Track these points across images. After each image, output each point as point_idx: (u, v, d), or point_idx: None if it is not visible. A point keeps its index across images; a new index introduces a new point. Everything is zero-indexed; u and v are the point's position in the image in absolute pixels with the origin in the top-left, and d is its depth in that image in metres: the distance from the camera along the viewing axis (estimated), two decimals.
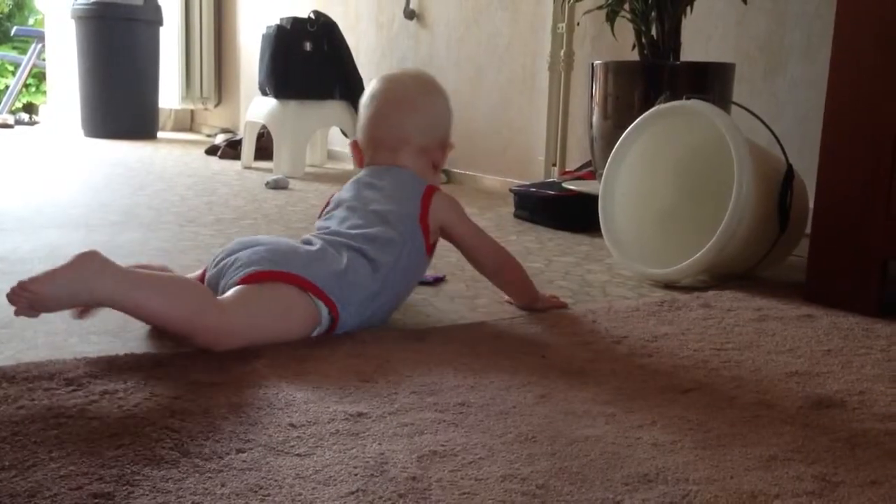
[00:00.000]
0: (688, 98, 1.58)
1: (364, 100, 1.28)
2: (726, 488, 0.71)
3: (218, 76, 5.36)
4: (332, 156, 3.86)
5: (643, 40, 1.97)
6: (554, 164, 2.74)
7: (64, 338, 1.06)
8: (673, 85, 1.84)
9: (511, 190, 2.39)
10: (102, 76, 4.54)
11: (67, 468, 0.69)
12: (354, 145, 1.30)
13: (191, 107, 5.46)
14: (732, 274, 1.56)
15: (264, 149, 3.47)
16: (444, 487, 0.69)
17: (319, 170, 3.50)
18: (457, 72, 3.20)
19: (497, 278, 1.30)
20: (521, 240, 1.96)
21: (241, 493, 0.66)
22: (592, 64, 2.00)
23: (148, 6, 4.59)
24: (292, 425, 0.80)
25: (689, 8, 1.99)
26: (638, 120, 1.64)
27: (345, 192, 1.24)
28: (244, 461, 0.72)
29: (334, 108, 3.25)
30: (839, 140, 1.34)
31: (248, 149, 3.45)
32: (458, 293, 1.41)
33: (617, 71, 1.96)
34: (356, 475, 0.70)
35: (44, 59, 5.73)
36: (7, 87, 6.21)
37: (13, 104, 5.80)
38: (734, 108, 1.76)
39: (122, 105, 4.59)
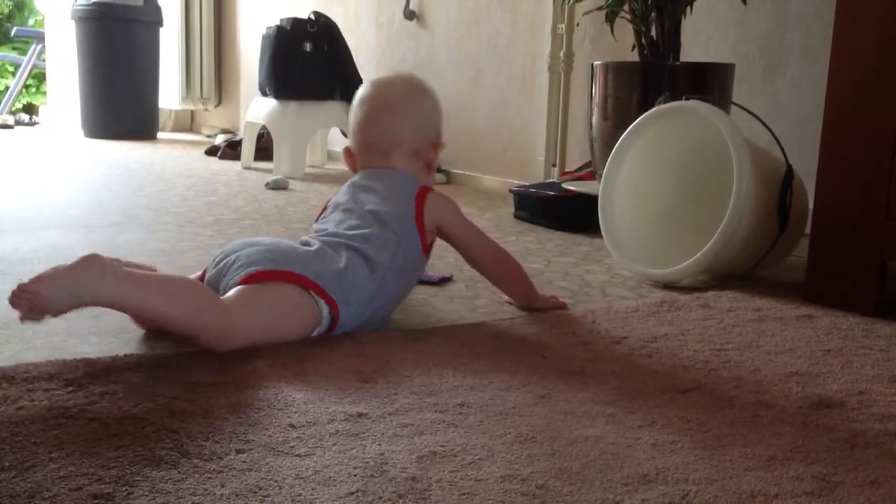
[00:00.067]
0: (687, 98, 1.58)
1: (354, 105, 1.29)
2: (726, 488, 0.71)
3: (218, 77, 5.36)
4: (332, 156, 3.86)
5: (643, 41, 1.97)
6: (554, 165, 2.74)
7: (64, 338, 1.06)
8: (673, 85, 1.84)
9: (511, 190, 2.39)
10: (102, 77, 4.54)
11: (67, 469, 0.69)
12: (347, 152, 1.31)
13: (191, 107, 5.45)
14: (732, 274, 1.56)
15: (264, 149, 3.47)
16: (444, 488, 0.69)
17: (319, 170, 3.50)
18: (457, 72, 3.20)
19: (496, 278, 1.31)
20: (521, 240, 1.96)
21: (241, 494, 0.66)
22: (592, 64, 2.00)
23: (148, 7, 4.59)
24: (292, 426, 0.80)
25: (688, 8, 1.99)
26: (638, 120, 1.64)
27: (340, 195, 1.25)
28: (244, 462, 0.72)
29: (334, 109, 3.25)
30: (839, 140, 1.34)
31: (247, 149, 3.45)
32: (458, 294, 1.41)
33: (617, 71, 1.96)
34: (356, 476, 0.70)
35: (44, 60, 5.73)
36: (7, 88, 6.21)
37: (13, 105, 5.80)
38: (734, 108, 1.76)
39: (122, 106, 4.59)
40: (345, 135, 3.37)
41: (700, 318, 1.27)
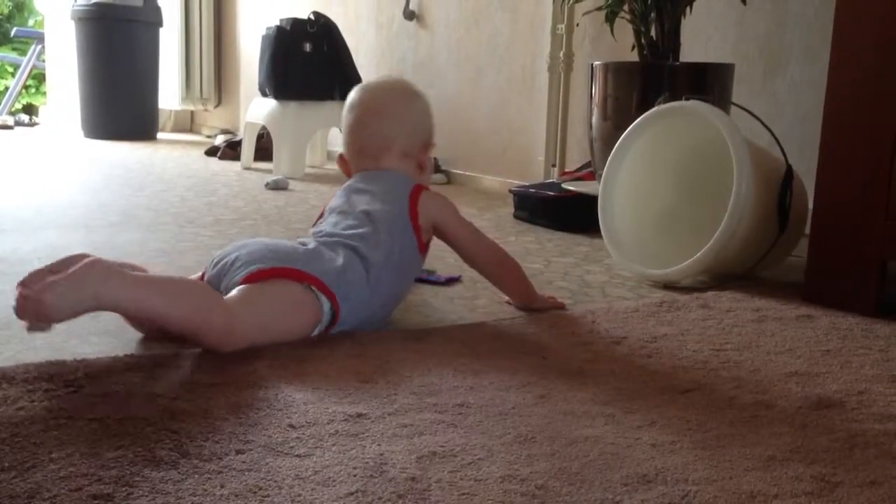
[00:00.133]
0: (687, 99, 1.58)
1: (344, 111, 1.30)
2: (725, 489, 0.71)
3: (218, 77, 5.36)
4: (332, 156, 3.86)
5: (643, 41, 1.97)
6: (553, 165, 2.74)
7: (63, 339, 1.06)
8: (672, 86, 1.84)
9: (510, 191, 2.39)
10: (102, 77, 4.54)
11: (67, 469, 0.69)
12: (340, 158, 1.33)
13: (191, 108, 5.46)
14: (732, 274, 1.56)
15: (264, 149, 3.47)
16: (444, 488, 0.69)
17: (319, 170, 3.50)
18: (456, 72, 3.20)
19: (495, 278, 1.31)
20: (521, 240, 1.96)
21: (241, 494, 0.66)
22: (592, 65, 2.00)
23: (148, 7, 4.59)
24: (291, 426, 0.80)
25: (688, 8, 1.99)
26: (637, 121, 1.64)
27: (335, 200, 1.26)
28: (243, 462, 0.72)
29: (334, 109, 3.25)
30: (839, 140, 1.34)
31: (247, 150, 3.45)
32: (458, 294, 1.41)
33: (616, 71, 1.96)
34: (355, 476, 0.70)
35: (43, 61, 5.74)
36: (7, 89, 6.21)
37: (13, 105, 5.80)
38: (734, 108, 1.76)
39: (121, 106, 4.59)
40: None
41: (700, 319, 1.27)
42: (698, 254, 1.46)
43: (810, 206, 1.42)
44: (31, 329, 0.90)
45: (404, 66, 3.48)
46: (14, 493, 0.65)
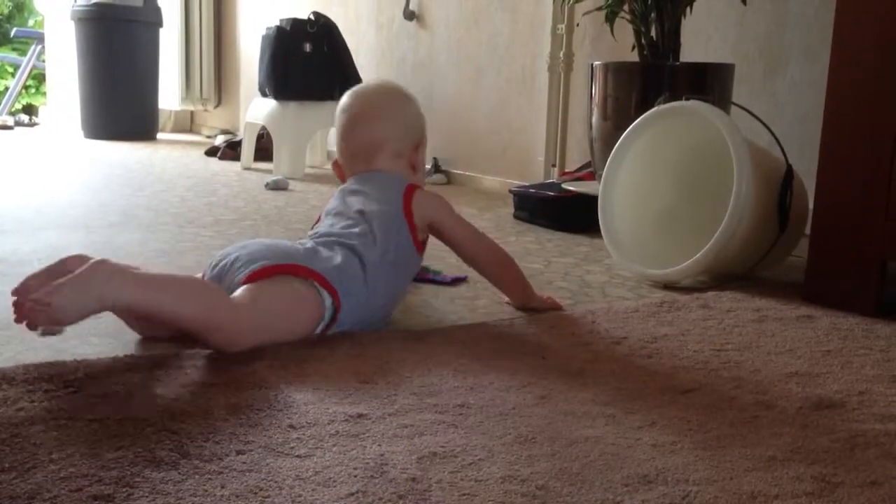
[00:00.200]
0: (687, 99, 1.58)
1: (336, 116, 1.32)
2: (726, 489, 0.71)
3: (218, 77, 5.36)
4: (332, 157, 3.85)
5: (643, 41, 1.97)
6: (553, 165, 2.74)
7: (63, 339, 1.06)
8: (672, 86, 1.84)
9: (511, 191, 2.39)
10: (102, 77, 4.54)
11: (67, 470, 0.69)
12: (335, 164, 1.34)
13: (190, 108, 5.46)
14: (732, 274, 1.56)
15: (264, 150, 3.47)
16: (444, 489, 0.69)
17: (319, 171, 3.50)
18: (457, 72, 3.20)
19: (495, 277, 1.31)
20: (521, 241, 1.96)
21: (241, 495, 0.66)
22: (592, 65, 2.00)
23: (148, 8, 4.59)
24: (292, 427, 0.80)
25: (688, 9, 1.99)
26: (637, 121, 1.64)
27: (331, 203, 1.27)
28: (244, 463, 0.72)
29: (334, 109, 3.23)
30: (839, 140, 1.34)
31: (247, 150, 3.45)
32: (458, 294, 1.41)
33: (616, 72, 1.96)
34: (356, 476, 0.70)
35: (43, 61, 5.74)
36: (7, 89, 6.21)
37: (13, 106, 5.80)
38: (734, 108, 1.76)
39: (121, 106, 4.59)
40: None
41: (700, 319, 1.27)
42: (698, 254, 1.46)
43: (810, 206, 1.42)
44: (43, 334, 0.90)
45: (404, 66, 3.49)
46: (14, 493, 0.65)
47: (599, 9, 2.07)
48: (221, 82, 5.37)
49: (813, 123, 1.86)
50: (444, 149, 3.21)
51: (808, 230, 1.44)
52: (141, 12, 4.55)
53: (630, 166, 1.66)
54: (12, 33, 6.09)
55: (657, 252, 1.61)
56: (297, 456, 0.74)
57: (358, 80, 3.29)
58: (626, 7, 1.99)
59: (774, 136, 1.59)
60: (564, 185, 2.20)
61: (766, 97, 2.09)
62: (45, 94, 6.28)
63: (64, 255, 0.99)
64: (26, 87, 6.91)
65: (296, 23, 3.23)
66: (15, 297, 0.93)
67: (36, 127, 5.47)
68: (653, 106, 1.64)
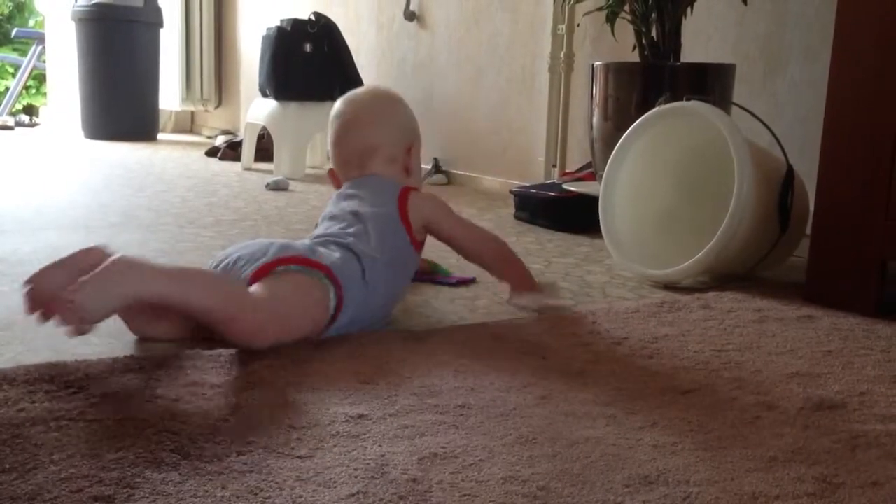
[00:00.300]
0: (688, 99, 1.58)
1: (329, 124, 1.32)
2: (727, 490, 0.71)
3: (218, 78, 5.36)
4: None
5: (643, 41, 1.97)
6: (554, 166, 2.74)
7: (64, 340, 1.05)
8: (673, 86, 1.84)
9: (511, 191, 2.39)
10: (103, 78, 4.54)
11: (68, 471, 0.69)
12: (330, 172, 1.34)
13: (191, 108, 5.46)
14: (733, 275, 1.56)
15: (265, 150, 3.47)
16: (445, 489, 0.69)
17: (320, 171, 3.50)
18: (457, 73, 3.20)
19: (498, 272, 1.31)
20: (521, 241, 1.96)
21: (242, 496, 0.66)
22: (592, 65, 2.00)
23: (148, 8, 4.59)
24: (292, 427, 0.80)
25: (689, 9, 1.99)
26: (638, 121, 1.64)
27: (328, 208, 1.27)
28: (244, 463, 0.72)
29: None
30: (839, 141, 1.34)
31: (248, 150, 3.45)
32: (458, 294, 1.41)
33: (617, 72, 1.96)
34: (357, 477, 0.70)
35: (44, 61, 5.74)
36: (7, 89, 6.22)
37: (13, 106, 5.80)
38: (734, 108, 1.76)
39: (122, 107, 4.59)
40: None
41: (701, 319, 1.27)
42: (699, 254, 1.46)
43: (811, 206, 1.42)
44: (72, 334, 0.90)
45: (405, 66, 3.49)
46: (15, 494, 0.65)
47: (600, 9, 2.07)
48: (222, 83, 5.37)
49: (813, 123, 1.86)
50: (444, 149, 3.21)
51: (808, 230, 1.44)
52: (141, 12, 4.55)
53: (631, 166, 1.66)
54: (13, 33, 6.09)
55: (658, 252, 1.61)
56: (298, 457, 0.74)
57: (358, 80, 3.29)
58: (626, 7, 1.99)
59: (775, 136, 1.59)
60: (565, 186, 2.20)
61: (767, 97, 2.09)
62: (45, 94, 6.28)
63: (64, 255, 0.99)
64: (27, 88, 6.91)
65: (296, 23, 3.23)
66: (29, 287, 0.94)
67: (36, 127, 5.48)
68: (653, 106, 1.64)
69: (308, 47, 3.21)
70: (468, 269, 1.53)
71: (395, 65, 3.54)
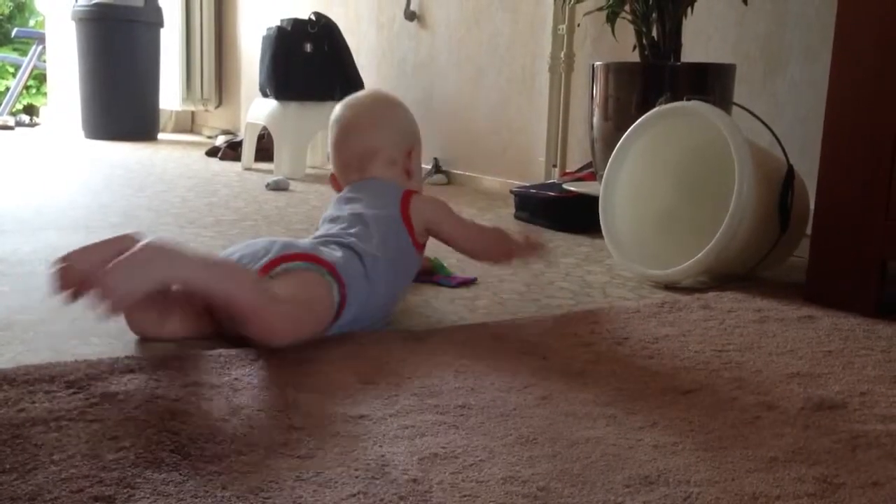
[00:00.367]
0: (688, 99, 1.58)
1: (329, 128, 1.33)
2: (727, 490, 0.71)
3: (218, 78, 5.36)
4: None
5: (644, 41, 1.97)
6: (554, 166, 2.74)
7: (64, 340, 1.06)
8: (673, 86, 1.84)
9: (511, 191, 2.39)
10: (103, 78, 4.54)
11: (68, 471, 0.69)
12: (332, 177, 1.35)
13: (191, 108, 5.46)
14: (733, 275, 1.56)
15: (265, 150, 3.47)
16: (445, 490, 0.69)
17: (320, 171, 3.50)
18: (457, 72, 3.20)
19: (501, 261, 1.33)
20: None
21: (242, 496, 0.66)
22: (593, 65, 2.00)
23: (148, 8, 4.59)
24: (293, 427, 0.80)
25: (689, 9, 1.99)
26: (638, 121, 1.64)
27: (327, 211, 1.27)
28: (245, 463, 0.72)
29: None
30: (839, 141, 1.34)
31: (248, 150, 3.45)
32: (458, 294, 1.41)
33: (617, 72, 1.96)
34: (357, 477, 0.70)
35: (44, 61, 5.74)
36: (8, 89, 6.22)
37: (14, 106, 5.80)
38: (735, 108, 1.76)
39: (122, 106, 4.59)
40: None
41: (701, 319, 1.27)
42: (699, 254, 1.46)
43: (811, 206, 1.42)
44: (105, 312, 0.90)
45: (405, 66, 3.49)
46: (15, 495, 0.65)
47: (600, 9, 2.07)
48: (222, 82, 5.37)
49: (813, 123, 1.86)
50: (444, 149, 3.21)
51: (808, 230, 1.44)
52: (142, 12, 4.55)
53: (631, 167, 1.66)
54: (13, 33, 6.09)
55: (658, 252, 1.61)
56: (298, 457, 0.74)
57: (359, 80, 3.29)
58: (627, 7, 1.99)
59: (775, 136, 1.59)
60: (565, 186, 2.20)
61: (767, 97, 2.09)
62: (45, 94, 6.28)
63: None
64: (27, 88, 6.91)
65: (296, 23, 3.23)
66: (60, 266, 0.94)
67: (37, 127, 5.48)
68: (654, 106, 1.64)
69: (308, 47, 3.21)
70: (469, 270, 1.53)
71: (396, 65, 3.54)
